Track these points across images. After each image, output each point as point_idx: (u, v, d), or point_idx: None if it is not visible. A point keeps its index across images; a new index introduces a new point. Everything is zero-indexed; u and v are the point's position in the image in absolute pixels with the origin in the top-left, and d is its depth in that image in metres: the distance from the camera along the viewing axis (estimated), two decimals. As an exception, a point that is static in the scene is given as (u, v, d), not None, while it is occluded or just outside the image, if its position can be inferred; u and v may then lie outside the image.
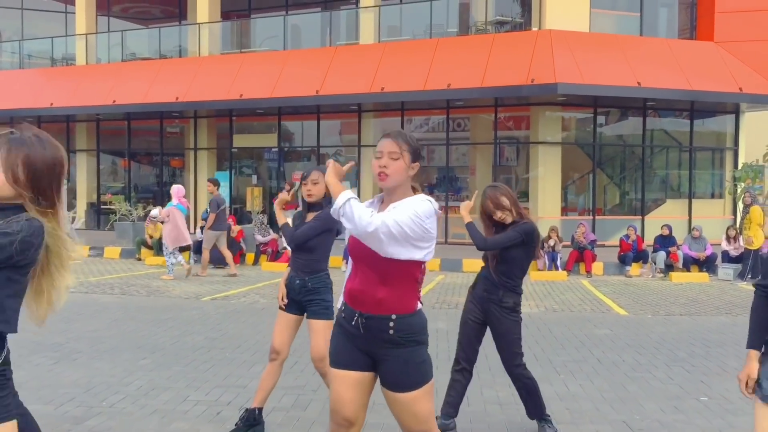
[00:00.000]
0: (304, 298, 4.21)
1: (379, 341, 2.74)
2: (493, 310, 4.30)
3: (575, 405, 5.11)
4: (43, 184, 2.27)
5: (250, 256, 15.00)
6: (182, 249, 14.84)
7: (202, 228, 13.82)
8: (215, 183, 13.22)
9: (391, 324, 2.71)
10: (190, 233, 13.63)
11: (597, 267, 13.95)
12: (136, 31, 22.43)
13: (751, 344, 2.79)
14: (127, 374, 5.81)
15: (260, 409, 4.34)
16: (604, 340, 7.45)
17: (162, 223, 12.86)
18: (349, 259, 2.86)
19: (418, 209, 2.63)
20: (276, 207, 4.41)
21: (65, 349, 6.65)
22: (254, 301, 10.02)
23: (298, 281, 4.22)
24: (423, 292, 2.97)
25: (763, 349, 2.79)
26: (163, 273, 12.64)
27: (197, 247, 15.16)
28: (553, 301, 10.44)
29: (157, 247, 15.40)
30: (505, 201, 4.29)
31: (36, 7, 23.17)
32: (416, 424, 2.77)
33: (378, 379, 2.86)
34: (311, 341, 4.26)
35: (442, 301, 10.14)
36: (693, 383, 5.73)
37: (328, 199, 4.14)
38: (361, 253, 2.70)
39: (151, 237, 15.54)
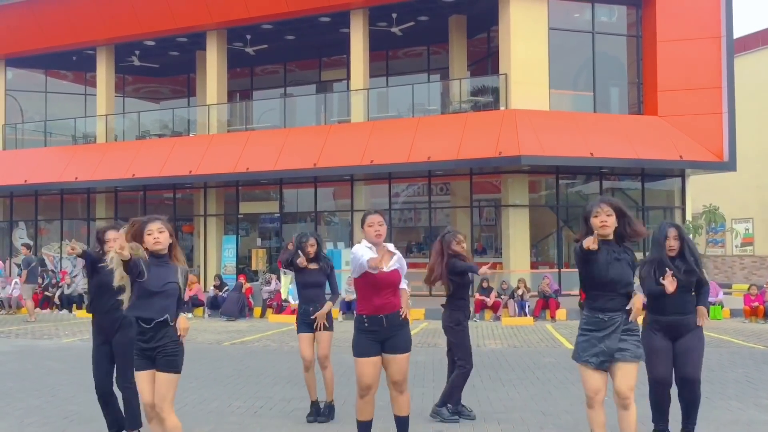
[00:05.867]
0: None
1: (395, 326, 4.90)
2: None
3: (510, 402, 7.14)
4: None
5: (257, 310, 17.00)
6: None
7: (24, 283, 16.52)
8: (28, 247, 17.97)
9: (400, 314, 4.93)
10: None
11: (561, 313, 16.01)
12: (151, 112, 24.92)
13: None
14: (181, 391, 7.73)
15: (317, 401, 6.37)
16: (546, 365, 9.49)
17: None
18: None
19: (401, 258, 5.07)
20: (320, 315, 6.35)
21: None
22: (266, 345, 12.04)
23: (312, 308, 6.33)
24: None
25: (579, 332, 4.80)
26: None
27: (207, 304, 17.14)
28: (517, 341, 12.48)
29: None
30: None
31: (58, 90, 25.72)
32: (404, 378, 4.94)
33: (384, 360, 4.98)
34: (320, 346, 6.34)
35: (424, 342, 12.15)
36: (602, 390, 7.75)
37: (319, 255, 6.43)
38: (388, 283, 4.89)
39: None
